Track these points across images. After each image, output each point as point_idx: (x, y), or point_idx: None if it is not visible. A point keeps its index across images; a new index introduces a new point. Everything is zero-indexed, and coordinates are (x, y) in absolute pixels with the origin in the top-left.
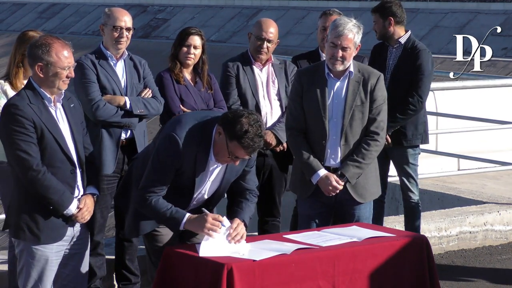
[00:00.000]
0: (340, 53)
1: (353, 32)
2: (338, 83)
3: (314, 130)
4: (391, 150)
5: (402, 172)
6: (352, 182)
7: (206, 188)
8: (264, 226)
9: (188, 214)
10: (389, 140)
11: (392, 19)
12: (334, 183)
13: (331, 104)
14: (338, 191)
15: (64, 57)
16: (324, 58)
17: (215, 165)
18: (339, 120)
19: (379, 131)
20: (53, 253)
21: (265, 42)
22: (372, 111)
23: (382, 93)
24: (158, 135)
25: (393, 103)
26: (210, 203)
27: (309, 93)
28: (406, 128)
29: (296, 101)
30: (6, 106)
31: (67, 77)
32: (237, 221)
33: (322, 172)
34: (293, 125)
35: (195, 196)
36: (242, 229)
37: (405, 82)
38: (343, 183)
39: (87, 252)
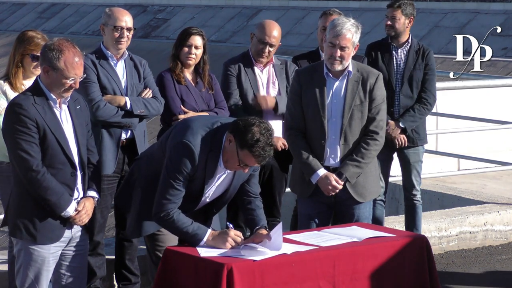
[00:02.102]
0: (339, 52)
1: (351, 32)
2: (337, 83)
3: (313, 130)
4: (403, 150)
5: (414, 170)
6: (352, 182)
7: (210, 193)
8: None
9: (209, 230)
10: (405, 139)
11: (412, 19)
12: (334, 182)
13: (330, 103)
14: (337, 190)
15: (72, 68)
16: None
17: (223, 172)
18: (338, 119)
19: (379, 130)
20: (50, 254)
21: (267, 46)
22: (372, 111)
23: (381, 92)
24: (165, 138)
25: (408, 104)
26: (215, 207)
27: (308, 93)
28: (418, 128)
29: (295, 101)
30: (10, 104)
31: (70, 87)
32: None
33: (322, 171)
34: (292, 125)
35: (202, 200)
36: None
37: (418, 82)
38: (342, 183)
39: (86, 254)
